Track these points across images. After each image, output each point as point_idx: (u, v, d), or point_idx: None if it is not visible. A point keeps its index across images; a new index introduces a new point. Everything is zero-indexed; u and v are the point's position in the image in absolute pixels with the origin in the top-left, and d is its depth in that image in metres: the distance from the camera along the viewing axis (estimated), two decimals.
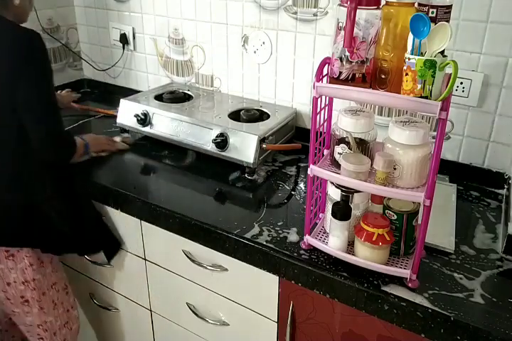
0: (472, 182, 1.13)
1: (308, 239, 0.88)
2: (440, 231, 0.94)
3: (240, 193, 1.11)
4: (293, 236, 0.94)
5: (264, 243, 0.92)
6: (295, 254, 0.88)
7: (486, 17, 1.01)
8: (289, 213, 1.02)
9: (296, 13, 1.24)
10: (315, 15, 1.22)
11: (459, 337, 0.74)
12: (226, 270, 1.01)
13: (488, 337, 0.72)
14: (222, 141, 1.16)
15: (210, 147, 1.18)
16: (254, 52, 1.35)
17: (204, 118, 1.24)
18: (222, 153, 1.17)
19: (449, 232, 0.94)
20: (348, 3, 0.65)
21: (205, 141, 1.20)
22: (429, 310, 0.75)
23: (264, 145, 1.14)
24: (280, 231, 0.95)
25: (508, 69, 1.03)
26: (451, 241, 0.92)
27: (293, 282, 0.89)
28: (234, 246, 0.95)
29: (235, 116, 1.28)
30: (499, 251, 0.90)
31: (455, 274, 0.83)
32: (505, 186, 1.09)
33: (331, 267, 0.85)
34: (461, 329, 0.73)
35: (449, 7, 0.70)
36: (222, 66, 1.44)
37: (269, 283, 0.95)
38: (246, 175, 1.16)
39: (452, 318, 0.74)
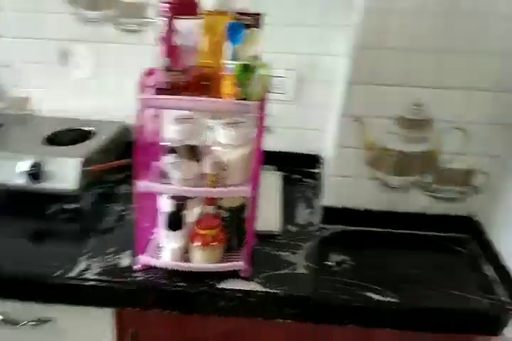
0: (295, 166, 1.25)
1: (141, 258, 0.85)
2: (269, 217, 1.02)
3: (64, 227, 1.00)
4: (126, 260, 0.88)
5: (94, 277, 0.84)
6: (129, 279, 0.84)
7: (296, 21, 1.12)
8: (122, 236, 0.95)
9: (121, 24, 1.19)
10: (141, 25, 1.19)
11: (287, 309, 0.82)
12: (50, 321, 0.90)
13: (309, 301, 0.81)
14: (36, 172, 1.00)
15: (23, 180, 1.01)
16: (77, 67, 1.25)
17: (13, 148, 1.09)
18: (38, 185, 1.02)
19: (276, 216, 1.03)
20: (165, 13, 0.66)
21: (15, 174, 1.02)
22: (260, 293, 0.81)
23: (88, 168, 1.05)
24: (111, 259, 0.89)
25: (315, 66, 1.16)
26: (277, 223, 1.00)
27: (131, 308, 0.86)
28: (58, 291, 0.85)
29: (53, 140, 1.14)
30: (317, 223, 1.02)
31: (281, 253, 0.91)
32: (320, 165, 1.24)
33: (167, 281, 0.83)
34: (290, 302, 0.82)
35: (260, 15, 0.76)
36: (40, 86, 1.28)
37: (103, 318, 0.89)
38: (70, 205, 1.05)
39: (280, 294, 0.81)
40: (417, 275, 0.89)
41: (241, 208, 0.86)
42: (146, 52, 1.17)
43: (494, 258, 0.90)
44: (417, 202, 0.99)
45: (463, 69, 0.87)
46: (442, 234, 1.00)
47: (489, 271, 0.91)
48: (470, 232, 1.01)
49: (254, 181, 0.80)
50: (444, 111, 0.91)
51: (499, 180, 0.93)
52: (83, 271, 0.86)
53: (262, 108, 0.74)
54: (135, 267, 0.86)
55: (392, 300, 0.82)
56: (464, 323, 0.82)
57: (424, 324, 0.82)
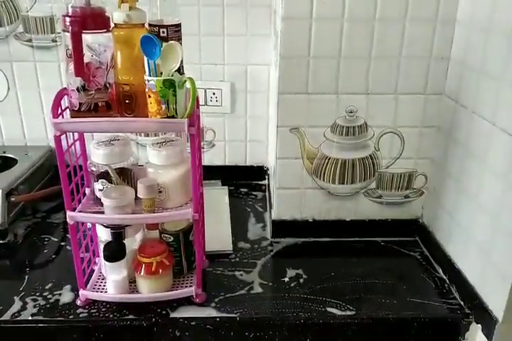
0: (240, 180, 1.22)
1: (83, 293, 0.78)
2: (218, 235, 0.98)
3: None
4: (66, 296, 0.81)
5: (30, 318, 0.76)
6: (71, 317, 0.76)
7: (221, 31, 1.10)
8: (60, 269, 0.88)
9: (30, 40, 1.11)
10: (54, 41, 1.11)
11: (247, 334, 0.77)
12: None
13: (270, 322, 0.77)
14: None
15: None
16: None
17: None
18: None
19: (227, 234, 0.99)
20: (70, 27, 0.61)
21: None
22: (217, 319, 0.77)
23: (13, 199, 0.97)
24: (50, 296, 0.82)
25: (247, 76, 1.14)
26: (228, 241, 0.97)
27: None
28: None
29: None
30: (269, 237, 0.99)
31: (236, 273, 0.88)
32: (266, 176, 1.22)
33: (114, 315, 0.77)
34: (248, 325, 0.77)
35: (178, 26, 0.72)
36: None
37: None
38: None
39: (238, 318, 0.77)
40: (373, 284, 0.86)
41: (188, 230, 0.81)
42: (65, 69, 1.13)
43: (444, 260, 0.88)
44: (364, 208, 0.98)
45: (391, 73, 0.87)
46: (392, 239, 0.99)
47: (441, 273, 0.89)
48: (418, 235, 1.00)
49: (196, 202, 0.75)
50: (378, 116, 0.90)
51: (438, 182, 0.93)
52: (17, 312, 0.77)
53: (192, 124, 0.70)
54: (78, 303, 0.79)
55: (352, 313, 0.79)
56: (425, 331, 0.79)
57: (386, 335, 0.80)
